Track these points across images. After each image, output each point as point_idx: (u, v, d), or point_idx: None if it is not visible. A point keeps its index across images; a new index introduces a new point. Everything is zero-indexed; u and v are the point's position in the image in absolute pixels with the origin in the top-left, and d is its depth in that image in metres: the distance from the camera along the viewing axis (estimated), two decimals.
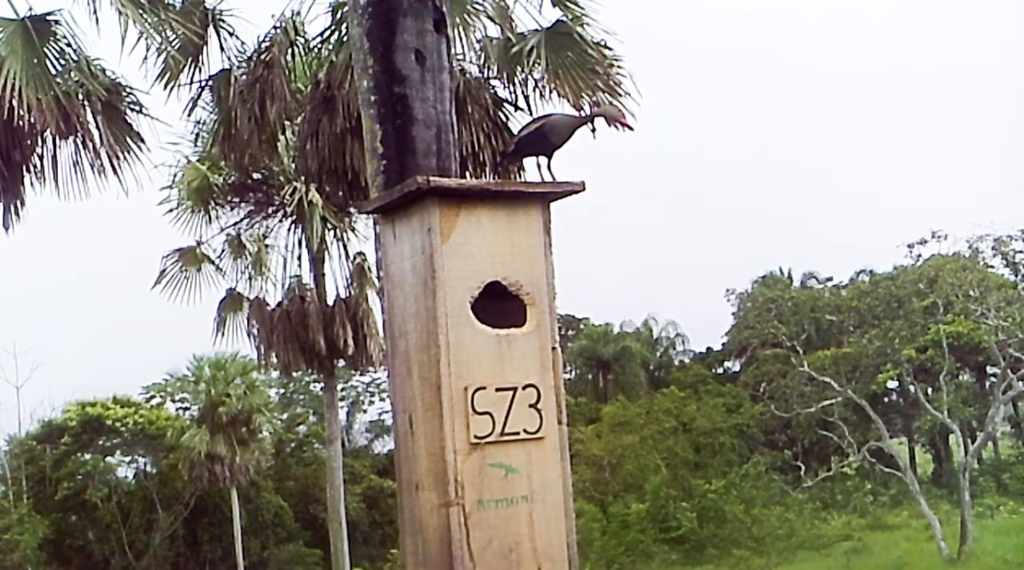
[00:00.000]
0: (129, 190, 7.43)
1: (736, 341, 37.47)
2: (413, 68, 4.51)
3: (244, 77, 8.34)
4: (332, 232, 17.05)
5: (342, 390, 34.89)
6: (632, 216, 66.36)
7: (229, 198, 16.57)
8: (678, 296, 63.47)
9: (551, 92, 8.13)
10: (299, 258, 17.22)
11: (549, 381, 2.47)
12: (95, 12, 6.85)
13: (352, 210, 14.95)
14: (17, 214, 7.51)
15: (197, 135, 10.20)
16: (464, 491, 2.33)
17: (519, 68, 8.24)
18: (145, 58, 7.45)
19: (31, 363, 33.43)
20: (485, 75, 8.59)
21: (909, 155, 69.91)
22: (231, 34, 8.17)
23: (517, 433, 2.40)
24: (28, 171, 7.41)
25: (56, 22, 6.92)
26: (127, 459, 30.38)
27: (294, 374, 23.67)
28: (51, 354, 43.50)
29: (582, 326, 42.30)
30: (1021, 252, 25.86)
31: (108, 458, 29.67)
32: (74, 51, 7.03)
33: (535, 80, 8.23)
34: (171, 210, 16.10)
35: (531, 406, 2.42)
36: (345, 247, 17.31)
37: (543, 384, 2.46)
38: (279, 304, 16.85)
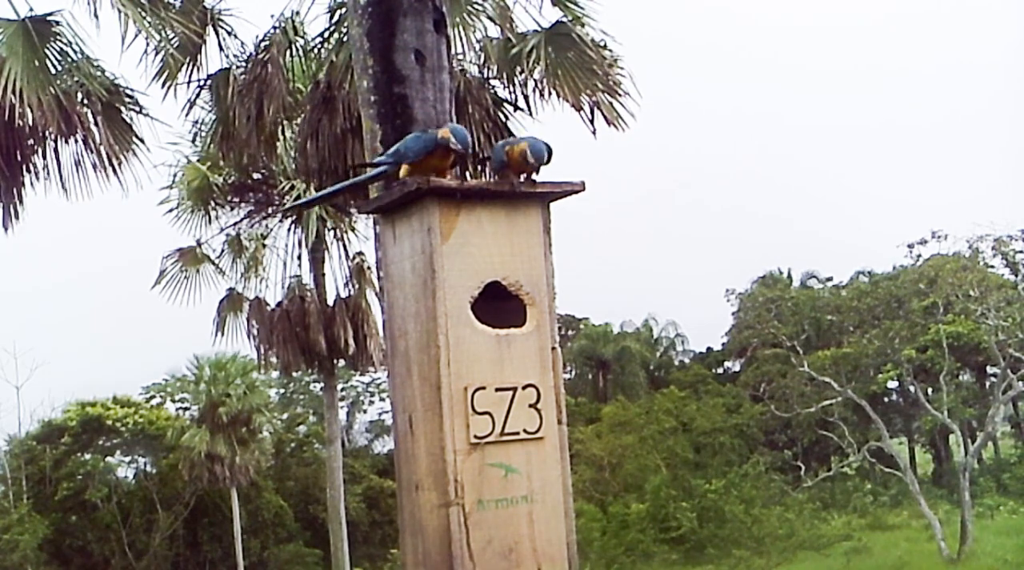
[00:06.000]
0: (129, 190, 7.44)
1: (736, 341, 37.44)
2: (413, 68, 4.51)
3: (243, 77, 8.34)
4: (332, 232, 17.05)
5: (342, 390, 34.89)
6: (632, 216, 66.40)
7: (229, 198, 16.58)
8: (678, 296, 63.44)
9: (551, 92, 8.13)
10: (299, 258, 17.23)
11: (549, 381, 2.46)
12: (95, 12, 6.86)
13: (352, 210, 14.95)
14: (17, 214, 7.51)
15: (195, 135, 10.19)
16: (464, 491, 2.33)
17: (519, 68, 8.23)
18: (144, 54, 7.46)
19: (31, 363, 33.46)
20: (485, 75, 8.58)
21: (909, 155, 69.99)
22: (230, 33, 8.17)
23: (517, 433, 2.40)
24: (28, 171, 7.40)
25: (56, 22, 6.92)
26: (127, 459, 30.37)
27: (294, 374, 23.66)
28: (51, 354, 43.50)
29: (582, 326, 42.27)
30: (1021, 252, 25.88)
31: (108, 458, 29.64)
32: (74, 51, 7.03)
33: (535, 80, 8.22)
34: (171, 210, 16.12)
35: (531, 406, 2.42)
36: (345, 247, 17.32)
37: (543, 384, 2.46)
38: (279, 304, 16.84)
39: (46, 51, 6.87)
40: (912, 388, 27.24)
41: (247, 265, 17.13)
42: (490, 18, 8.31)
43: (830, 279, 38.05)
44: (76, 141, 7.27)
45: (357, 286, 17.12)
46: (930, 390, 27.97)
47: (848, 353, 26.64)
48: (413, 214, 2.46)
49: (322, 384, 20.28)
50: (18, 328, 38.08)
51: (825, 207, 67.45)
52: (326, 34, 8.52)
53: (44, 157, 7.39)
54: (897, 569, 22.83)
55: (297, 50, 8.79)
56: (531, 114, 8.52)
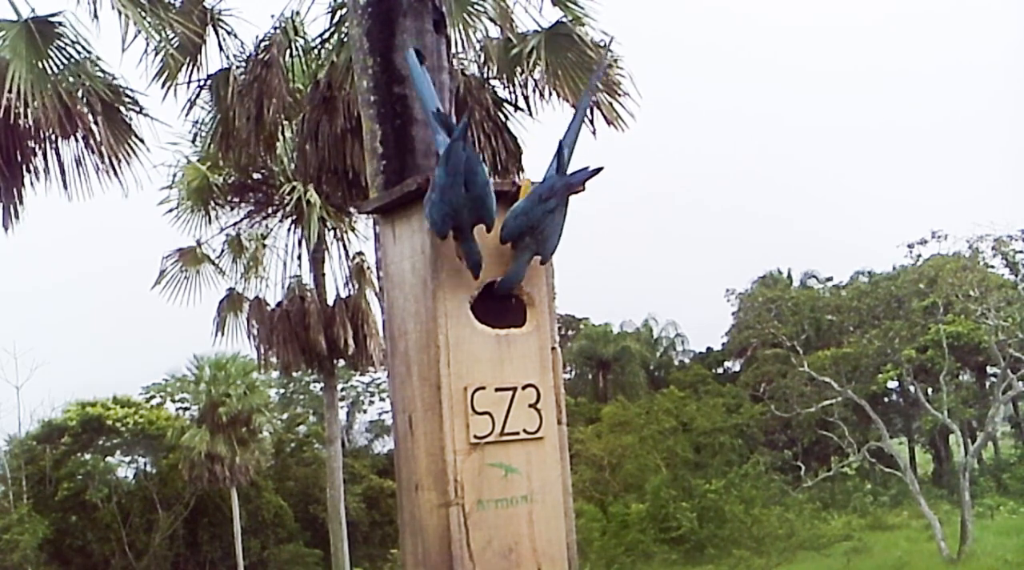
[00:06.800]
0: (129, 190, 7.44)
1: (736, 341, 37.43)
2: None
3: (243, 77, 8.35)
4: (332, 232, 17.06)
5: (342, 390, 34.87)
6: (632, 216, 66.35)
7: (229, 198, 16.58)
8: (678, 296, 63.37)
9: (551, 92, 8.14)
10: (299, 258, 17.23)
11: (549, 381, 2.47)
12: (95, 13, 6.86)
13: (352, 210, 14.95)
14: (17, 214, 7.51)
15: (195, 135, 10.20)
16: (464, 491, 2.33)
17: (519, 68, 8.24)
18: (144, 54, 7.47)
19: (31, 363, 33.36)
20: (485, 75, 8.59)
21: (909, 155, 69.98)
22: (230, 33, 8.18)
23: (517, 433, 2.40)
24: (28, 171, 7.41)
25: (59, 23, 6.93)
26: (127, 459, 30.34)
27: (294, 374, 23.67)
28: (51, 354, 43.42)
29: (582, 326, 42.25)
30: (1021, 252, 25.87)
31: (108, 458, 29.62)
32: (76, 52, 7.03)
33: (535, 80, 8.23)
34: (171, 210, 16.12)
35: (531, 406, 2.42)
36: (345, 247, 17.32)
37: (543, 384, 2.46)
38: (279, 304, 16.84)
39: (48, 52, 6.88)
40: (912, 388, 27.22)
41: (247, 265, 17.14)
42: (490, 18, 8.32)
43: (830, 279, 38.05)
44: (76, 141, 7.27)
45: (357, 286, 17.12)
46: (930, 390, 27.95)
47: (848, 353, 26.62)
48: (413, 214, 2.46)
49: (322, 384, 20.28)
50: (18, 328, 38.03)
51: (825, 207, 67.41)
52: (326, 34, 8.53)
53: (44, 157, 7.39)
54: (897, 569, 22.82)
55: (297, 50, 8.80)
56: (531, 114, 8.54)
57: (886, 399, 34.38)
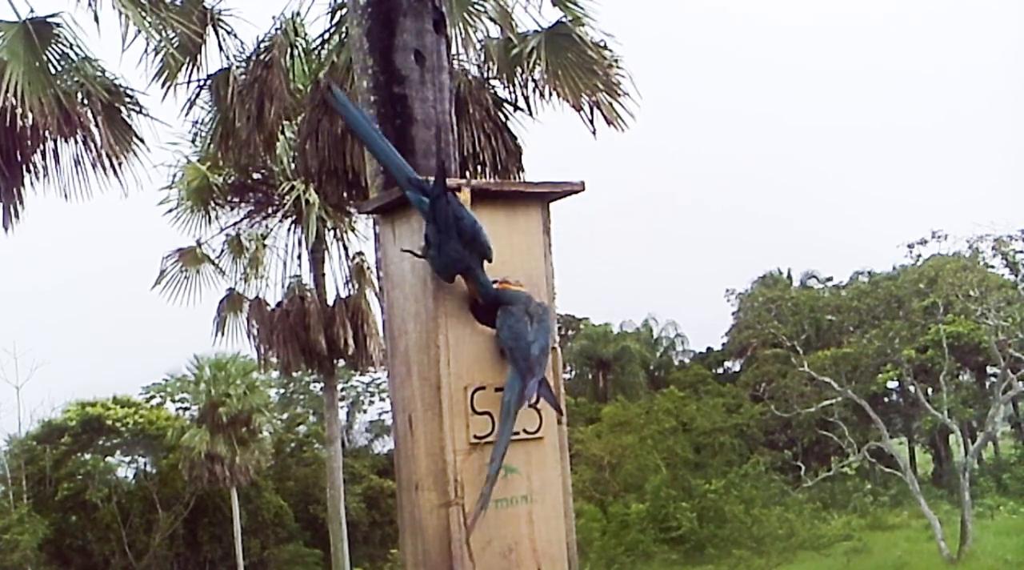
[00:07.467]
0: (129, 190, 7.44)
1: (736, 341, 37.44)
2: (413, 68, 4.51)
3: (243, 77, 8.34)
4: (332, 232, 17.07)
5: (342, 390, 34.87)
6: (632, 216, 66.35)
7: (229, 198, 16.59)
8: (678, 296, 63.34)
9: (551, 92, 8.14)
10: (299, 258, 17.24)
11: (549, 381, 2.47)
12: (95, 13, 6.86)
13: (352, 210, 14.96)
14: (16, 214, 7.50)
15: (195, 135, 10.20)
16: (464, 491, 2.33)
17: (519, 68, 8.24)
18: (144, 54, 7.47)
19: (31, 363, 33.33)
20: (485, 75, 8.59)
21: (909, 155, 69.93)
22: (230, 33, 8.18)
23: (517, 433, 2.40)
24: (28, 171, 7.40)
25: (57, 24, 6.93)
26: (127, 459, 30.36)
27: (294, 374, 23.68)
28: (51, 354, 43.39)
29: (582, 326, 42.25)
30: (1021, 252, 25.86)
31: (108, 458, 29.64)
32: (75, 52, 7.03)
33: (535, 80, 8.23)
34: (171, 210, 16.13)
35: (531, 406, 2.42)
36: (345, 247, 17.34)
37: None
38: (279, 304, 16.86)
39: (47, 53, 6.88)
40: (912, 388, 27.20)
41: (247, 265, 17.15)
42: (490, 18, 8.31)
43: (830, 279, 38.08)
44: (76, 141, 7.27)
45: (357, 286, 17.13)
46: (930, 390, 27.94)
47: (848, 353, 26.60)
48: (413, 214, 2.46)
49: (322, 384, 20.28)
50: (18, 328, 38.01)
51: (825, 207, 67.37)
52: (326, 35, 8.52)
53: (44, 157, 7.39)
54: (897, 569, 22.83)
55: (298, 50, 8.80)
56: (531, 114, 8.54)
57: (886, 399, 34.37)
